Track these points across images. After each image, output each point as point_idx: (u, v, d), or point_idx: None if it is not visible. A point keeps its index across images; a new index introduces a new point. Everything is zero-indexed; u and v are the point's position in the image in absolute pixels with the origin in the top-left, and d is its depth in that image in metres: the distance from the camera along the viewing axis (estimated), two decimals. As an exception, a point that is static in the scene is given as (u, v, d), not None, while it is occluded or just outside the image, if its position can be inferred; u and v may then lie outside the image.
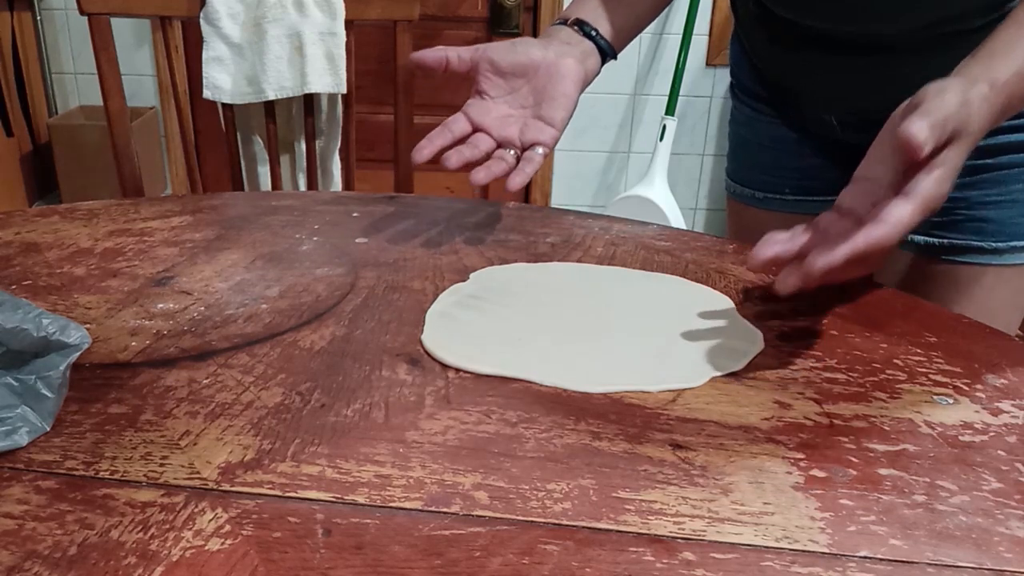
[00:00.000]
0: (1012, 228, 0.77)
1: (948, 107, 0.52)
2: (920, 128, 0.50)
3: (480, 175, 0.70)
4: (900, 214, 0.51)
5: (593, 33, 0.77)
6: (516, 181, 0.71)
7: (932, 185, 0.52)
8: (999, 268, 0.78)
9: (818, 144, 0.88)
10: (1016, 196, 0.76)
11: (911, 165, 0.53)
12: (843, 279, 0.58)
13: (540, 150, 0.73)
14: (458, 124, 0.73)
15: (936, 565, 0.39)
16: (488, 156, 0.72)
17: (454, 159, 0.70)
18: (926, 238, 0.80)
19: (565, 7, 2.60)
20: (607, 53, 0.78)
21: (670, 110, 2.37)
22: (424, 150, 0.71)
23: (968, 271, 0.79)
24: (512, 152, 0.73)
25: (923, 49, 0.73)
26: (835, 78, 0.79)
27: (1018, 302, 0.80)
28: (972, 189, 0.77)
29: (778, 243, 0.55)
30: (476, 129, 0.73)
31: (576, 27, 0.78)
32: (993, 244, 0.77)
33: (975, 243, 0.78)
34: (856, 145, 0.84)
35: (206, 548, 0.38)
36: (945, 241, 0.79)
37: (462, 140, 0.73)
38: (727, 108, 2.52)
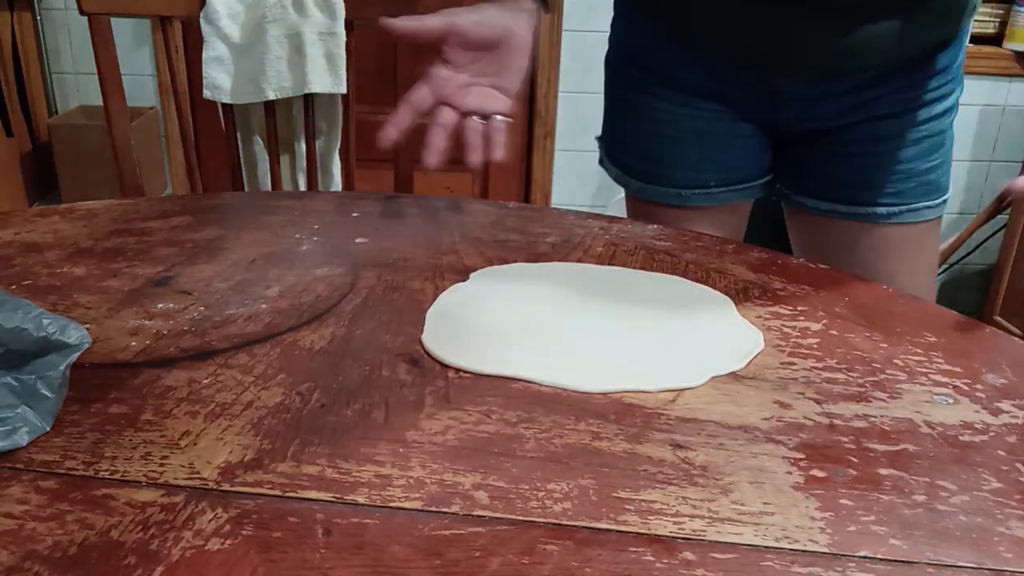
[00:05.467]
0: (946, 185, 0.89)
1: None
2: None
3: (474, 157, 0.74)
4: None
5: None
6: (499, 154, 0.74)
7: None
8: (937, 220, 0.90)
9: (747, 130, 0.90)
10: (945, 157, 0.88)
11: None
12: None
13: (503, 118, 0.76)
14: (421, 98, 0.75)
15: (936, 565, 0.39)
16: (454, 131, 0.75)
17: (433, 159, 0.73)
18: (888, 208, 0.88)
19: (565, 7, 2.57)
20: (545, 6, 0.83)
21: (670, 110, 2.36)
22: (390, 133, 0.73)
23: (920, 228, 0.89)
24: (478, 120, 0.75)
25: (882, 6, 0.76)
26: (790, 35, 0.81)
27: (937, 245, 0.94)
28: (919, 159, 0.86)
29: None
30: (438, 101, 0.76)
31: None
32: (936, 201, 0.89)
33: (924, 204, 0.88)
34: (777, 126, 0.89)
35: (206, 548, 0.38)
36: (903, 207, 0.88)
37: (424, 115, 0.75)
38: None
